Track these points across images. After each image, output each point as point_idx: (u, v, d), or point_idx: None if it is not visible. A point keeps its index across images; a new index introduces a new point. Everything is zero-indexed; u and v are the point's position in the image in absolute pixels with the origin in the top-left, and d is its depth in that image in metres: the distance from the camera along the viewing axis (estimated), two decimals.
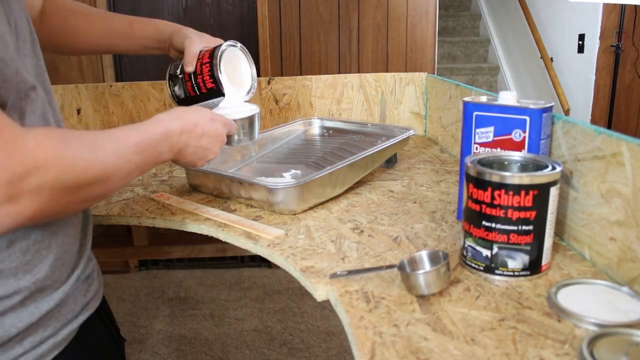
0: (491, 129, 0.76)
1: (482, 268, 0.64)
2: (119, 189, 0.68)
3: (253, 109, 0.88)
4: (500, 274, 0.63)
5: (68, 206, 0.54)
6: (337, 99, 1.47)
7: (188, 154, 0.74)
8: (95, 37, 0.94)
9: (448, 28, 4.95)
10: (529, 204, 0.60)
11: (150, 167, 0.66)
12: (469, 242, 0.65)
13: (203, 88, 0.90)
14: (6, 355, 0.57)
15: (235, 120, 0.84)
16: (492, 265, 0.63)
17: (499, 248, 0.62)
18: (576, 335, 0.52)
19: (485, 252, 0.63)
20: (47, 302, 0.60)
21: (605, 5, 3.38)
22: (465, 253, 0.66)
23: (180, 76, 0.93)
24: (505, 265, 0.63)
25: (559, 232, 0.75)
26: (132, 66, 2.45)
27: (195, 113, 0.75)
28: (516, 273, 0.63)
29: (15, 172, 0.46)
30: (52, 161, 0.50)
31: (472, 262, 0.65)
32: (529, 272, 0.63)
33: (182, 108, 0.75)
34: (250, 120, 0.87)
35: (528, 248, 0.62)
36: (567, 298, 0.58)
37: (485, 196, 0.62)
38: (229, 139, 0.84)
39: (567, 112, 3.55)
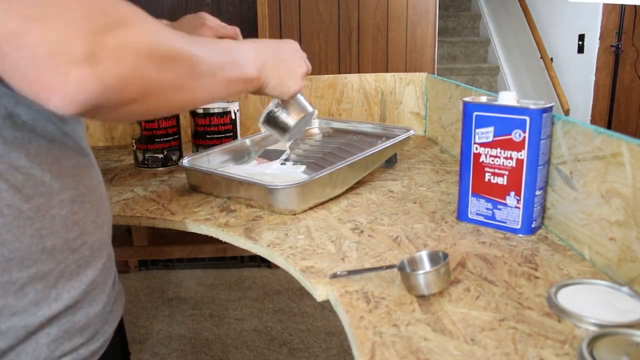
0: (491, 129, 0.76)
1: None
2: (203, 89, 0.56)
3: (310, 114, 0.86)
4: None
5: (152, 84, 0.47)
6: (337, 99, 1.47)
7: (272, 66, 0.72)
8: None
9: (448, 28, 4.95)
10: None
11: (235, 77, 0.62)
12: None
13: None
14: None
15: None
16: None
17: None
18: (576, 335, 0.52)
19: None
20: (94, 306, 0.59)
21: (605, 5, 3.39)
22: None
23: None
24: None
25: (559, 232, 0.75)
26: None
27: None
28: None
29: (99, 21, 0.41)
30: (139, 19, 0.45)
31: None
32: None
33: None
34: (306, 119, 0.84)
35: None
36: (567, 298, 0.58)
37: None
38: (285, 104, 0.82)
39: (567, 112, 3.56)
